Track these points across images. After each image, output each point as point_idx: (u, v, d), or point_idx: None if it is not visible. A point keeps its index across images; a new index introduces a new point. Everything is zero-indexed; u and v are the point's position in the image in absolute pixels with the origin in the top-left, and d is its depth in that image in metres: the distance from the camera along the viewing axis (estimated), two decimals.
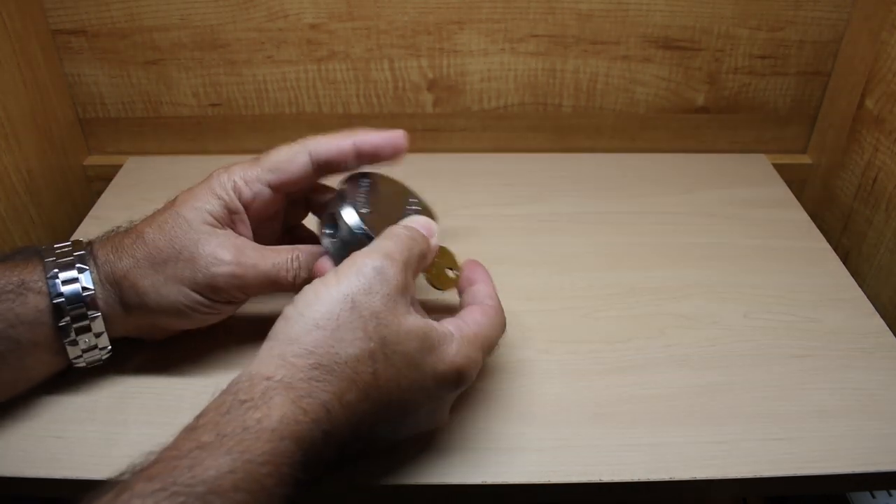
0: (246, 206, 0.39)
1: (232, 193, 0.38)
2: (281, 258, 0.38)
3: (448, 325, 0.34)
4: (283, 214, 0.44)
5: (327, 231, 0.38)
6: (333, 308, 0.31)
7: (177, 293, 0.37)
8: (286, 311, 0.32)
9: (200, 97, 0.63)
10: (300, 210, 0.45)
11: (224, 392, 0.30)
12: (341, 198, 0.39)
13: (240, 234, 0.39)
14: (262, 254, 0.38)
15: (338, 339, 0.31)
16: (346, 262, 0.33)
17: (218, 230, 0.38)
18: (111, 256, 0.37)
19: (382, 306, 0.32)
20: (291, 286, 0.38)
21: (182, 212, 0.38)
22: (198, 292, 0.37)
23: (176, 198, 0.39)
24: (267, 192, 0.39)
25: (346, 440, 0.31)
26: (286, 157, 0.39)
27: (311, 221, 0.45)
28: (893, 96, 0.55)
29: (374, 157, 0.40)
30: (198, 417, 0.29)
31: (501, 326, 0.37)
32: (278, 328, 0.32)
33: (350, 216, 0.37)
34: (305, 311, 0.32)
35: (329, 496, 0.37)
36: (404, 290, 0.33)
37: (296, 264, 0.38)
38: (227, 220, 0.39)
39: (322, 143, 0.39)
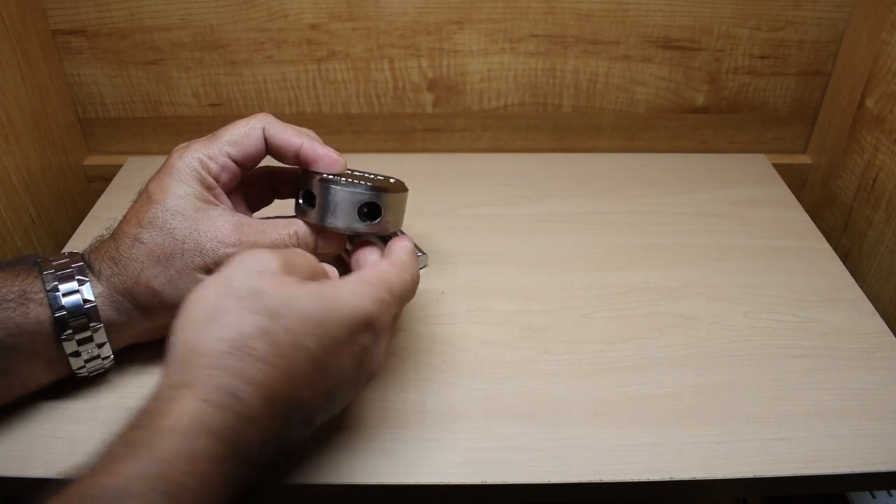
0: (216, 181, 0.39)
1: (203, 171, 0.39)
2: (279, 234, 0.39)
3: (346, 278, 0.34)
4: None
5: (304, 205, 0.40)
6: (209, 301, 0.31)
7: (193, 282, 0.37)
8: (174, 324, 0.31)
9: (200, 97, 0.63)
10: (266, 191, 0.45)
11: (136, 410, 0.29)
12: (312, 174, 0.40)
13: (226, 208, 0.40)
14: (261, 230, 0.38)
15: (224, 326, 0.30)
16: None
17: (210, 210, 0.38)
18: (115, 268, 0.37)
19: (259, 281, 0.31)
20: None
21: (168, 204, 0.37)
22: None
23: (148, 193, 0.39)
24: (232, 165, 0.40)
25: (270, 420, 0.30)
26: (243, 131, 0.40)
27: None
28: (893, 96, 0.55)
29: (309, 164, 0.40)
30: (111, 438, 0.28)
31: (411, 272, 0.36)
32: (170, 341, 0.31)
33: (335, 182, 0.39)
34: (188, 314, 0.31)
35: (328, 495, 0.37)
36: (286, 265, 0.33)
37: (294, 240, 0.39)
38: (209, 197, 0.39)
39: (276, 127, 0.40)
